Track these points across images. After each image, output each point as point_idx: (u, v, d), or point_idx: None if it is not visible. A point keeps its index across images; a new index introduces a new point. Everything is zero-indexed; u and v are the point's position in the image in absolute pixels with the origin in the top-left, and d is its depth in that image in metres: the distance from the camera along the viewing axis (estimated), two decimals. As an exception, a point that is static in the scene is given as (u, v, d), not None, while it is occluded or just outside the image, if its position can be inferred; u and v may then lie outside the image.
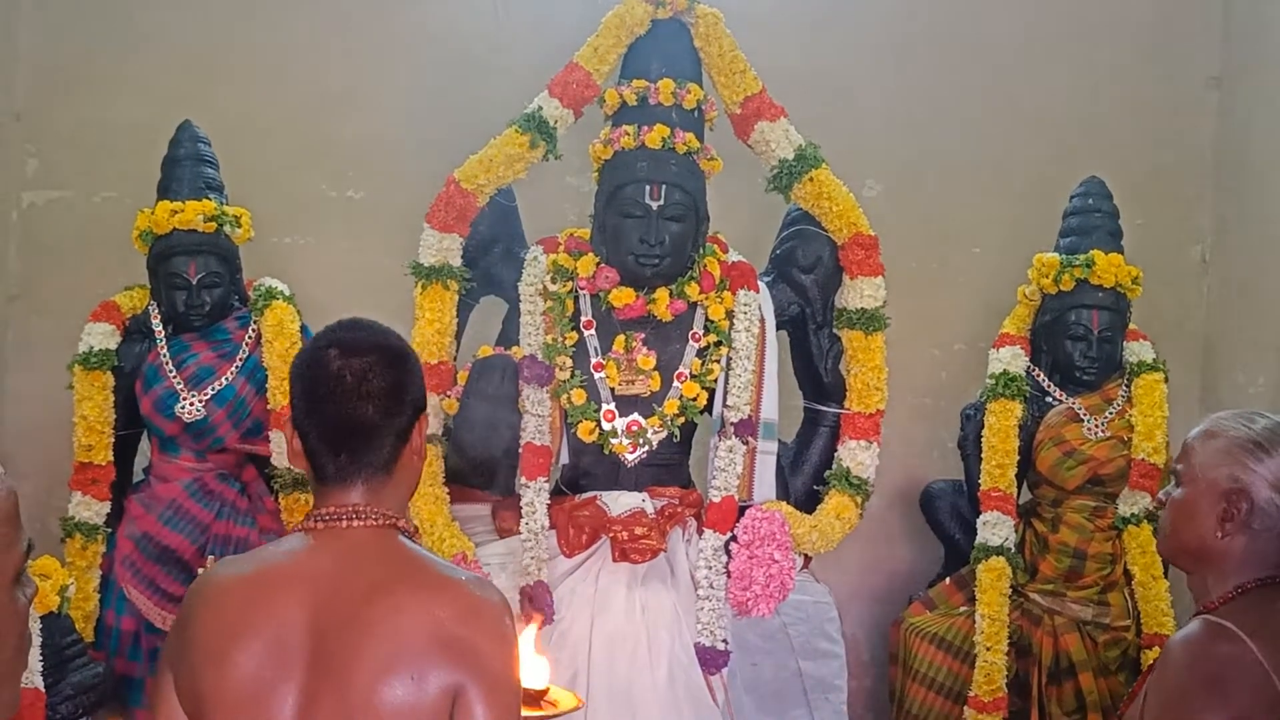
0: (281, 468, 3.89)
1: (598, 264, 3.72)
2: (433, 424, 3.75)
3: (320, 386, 1.96)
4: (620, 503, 3.64)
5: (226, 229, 3.93)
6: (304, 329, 4.00)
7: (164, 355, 3.94)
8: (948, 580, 4.29)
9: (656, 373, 3.69)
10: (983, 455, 4.16)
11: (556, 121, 3.76)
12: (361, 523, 1.93)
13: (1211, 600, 2.14)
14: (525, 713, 2.34)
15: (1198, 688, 2.01)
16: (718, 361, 3.72)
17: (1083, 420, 4.16)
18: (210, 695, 1.86)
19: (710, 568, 3.55)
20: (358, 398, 1.93)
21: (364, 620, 1.83)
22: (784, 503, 3.71)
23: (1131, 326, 4.25)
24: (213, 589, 1.96)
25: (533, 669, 2.37)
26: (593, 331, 3.73)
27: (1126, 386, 4.20)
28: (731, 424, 3.66)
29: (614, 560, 3.56)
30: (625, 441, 3.68)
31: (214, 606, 1.92)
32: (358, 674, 1.81)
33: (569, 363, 3.68)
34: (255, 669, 1.84)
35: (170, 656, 1.96)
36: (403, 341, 2.05)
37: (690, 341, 3.74)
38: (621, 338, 3.70)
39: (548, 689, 2.39)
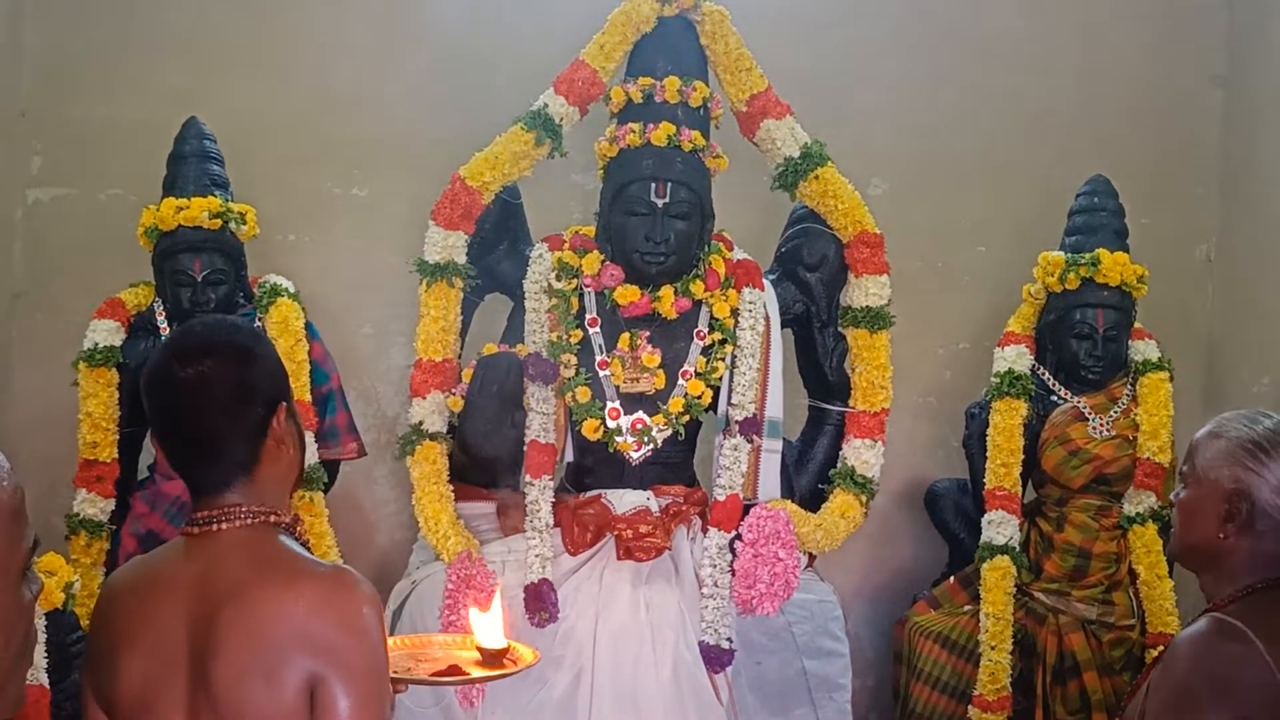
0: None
1: (603, 261, 3.72)
2: (438, 421, 3.76)
3: (163, 400, 1.95)
4: (625, 501, 3.64)
5: (232, 226, 3.93)
6: (309, 326, 4.00)
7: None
8: (952, 579, 4.29)
9: (661, 370, 3.69)
10: (987, 454, 4.15)
11: (562, 119, 3.76)
12: (230, 524, 1.92)
13: (1220, 599, 2.14)
14: (482, 672, 2.35)
15: (1203, 685, 2.01)
16: (722, 359, 3.72)
17: (1088, 419, 4.16)
18: (112, 703, 1.90)
19: (715, 566, 3.54)
20: (200, 408, 1.92)
21: (223, 624, 1.83)
22: (789, 501, 3.71)
23: (1136, 325, 4.25)
24: (105, 597, 2.00)
25: (490, 630, 2.38)
26: (597, 329, 3.73)
27: (1131, 385, 4.20)
28: (736, 422, 3.66)
29: (618, 558, 3.56)
30: (630, 439, 3.68)
31: (106, 615, 1.96)
32: (219, 679, 1.81)
33: (574, 360, 3.68)
34: (143, 679, 1.87)
35: (84, 663, 2.00)
36: (247, 336, 2.02)
37: (695, 339, 3.74)
38: (626, 335, 3.70)
39: (509, 647, 2.39)
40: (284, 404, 2.00)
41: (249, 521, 1.92)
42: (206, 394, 1.92)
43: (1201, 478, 2.19)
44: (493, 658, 2.36)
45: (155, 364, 1.98)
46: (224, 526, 1.92)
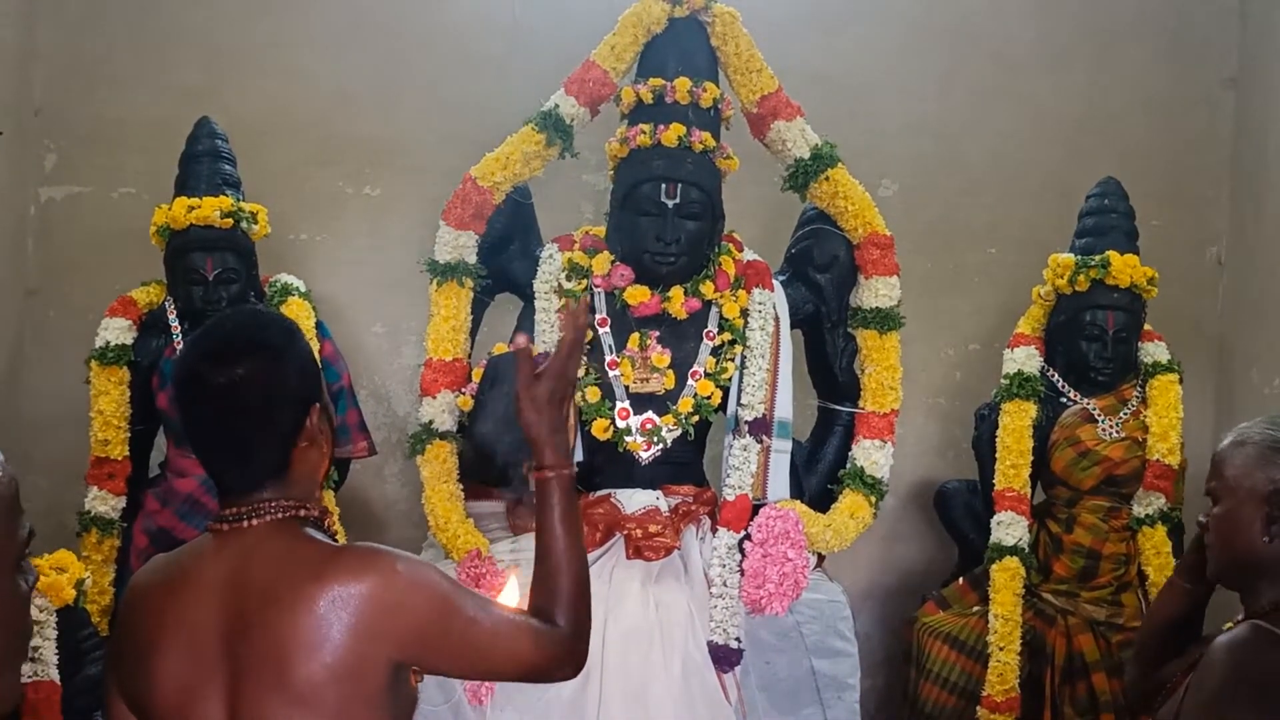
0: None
1: (613, 262, 3.72)
2: (448, 421, 3.76)
3: (195, 404, 1.91)
4: (634, 500, 3.64)
5: (243, 225, 3.95)
6: (319, 325, 4.01)
7: (180, 350, 3.95)
8: (961, 580, 4.29)
9: (671, 371, 3.69)
10: (997, 455, 4.15)
11: (573, 119, 3.76)
12: (260, 520, 1.89)
13: (1261, 605, 2.11)
14: None
15: (1241, 694, 1.99)
16: (732, 360, 3.72)
17: (1097, 421, 4.15)
18: (143, 702, 1.88)
19: (724, 566, 3.54)
20: (232, 415, 1.88)
21: (271, 620, 1.80)
22: (798, 501, 3.71)
23: (1146, 327, 4.24)
24: (133, 595, 1.97)
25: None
26: (607, 329, 3.73)
27: (1141, 387, 4.20)
28: (746, 423, 3.66)
29: (628, 558, 3.56)
30: (639, 439, 3.68)
31: (133, 616, 1.93)
32: (286, 671, 1.78)
33: (584, 360, 3.68)
34: (176, 677, 1.84)
35: (108, 661, 1.98)
36: (279, 334, 1.96)
37: (705, 340, 3.74)
38: (636, 336, 3.70)
39: None
40: (317, 404, 1.96)
41: (279, 516, 1.90)
42: (238, 401, 1.87)
43: (1235, 487, 2.16)
44: None
45: (185, 365, 1.93)
46: (254, 523, 1.89)
